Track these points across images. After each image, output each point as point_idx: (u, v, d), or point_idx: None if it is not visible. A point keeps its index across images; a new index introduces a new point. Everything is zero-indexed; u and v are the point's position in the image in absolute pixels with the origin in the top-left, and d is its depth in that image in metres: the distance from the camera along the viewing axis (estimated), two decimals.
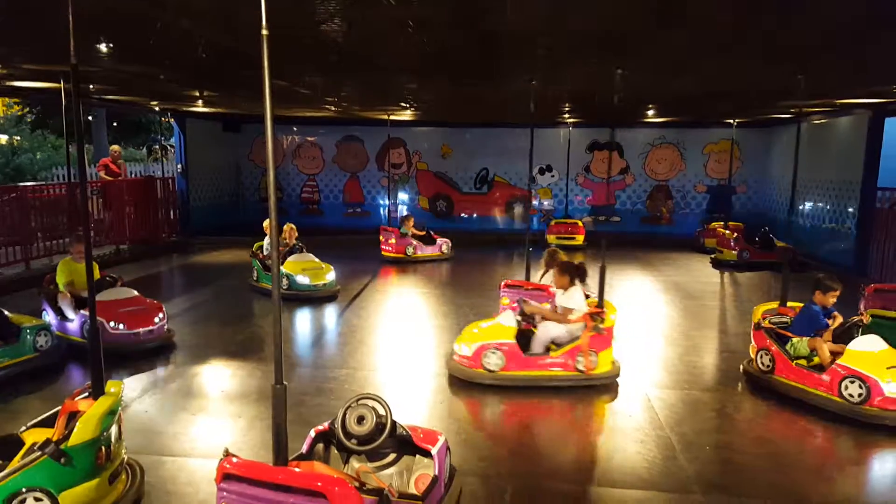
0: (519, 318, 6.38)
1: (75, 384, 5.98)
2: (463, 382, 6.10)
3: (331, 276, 9.70)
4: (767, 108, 12.58)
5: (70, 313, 6.98)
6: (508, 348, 6.04)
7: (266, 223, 10.51)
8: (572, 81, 9.19)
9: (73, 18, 3.87)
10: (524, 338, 6.21)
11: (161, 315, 7.09)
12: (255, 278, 10.18)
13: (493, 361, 6.02)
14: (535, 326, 6.33)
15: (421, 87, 10.10)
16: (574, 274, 6.36)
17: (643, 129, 16.90)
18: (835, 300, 6.09)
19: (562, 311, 6.26)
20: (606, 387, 6.13)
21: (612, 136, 16.90)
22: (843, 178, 12.31)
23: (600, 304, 6.37)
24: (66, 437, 3.53)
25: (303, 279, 9.45)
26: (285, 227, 10.43)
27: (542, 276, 7.66)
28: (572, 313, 6.18)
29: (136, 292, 7.32)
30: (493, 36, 6.06)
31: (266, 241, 10.39)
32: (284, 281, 9.42)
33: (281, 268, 9.56)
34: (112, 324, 6.66)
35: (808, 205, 13.81)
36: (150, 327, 6.90)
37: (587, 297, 6.47)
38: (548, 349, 6.19)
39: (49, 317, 7.12)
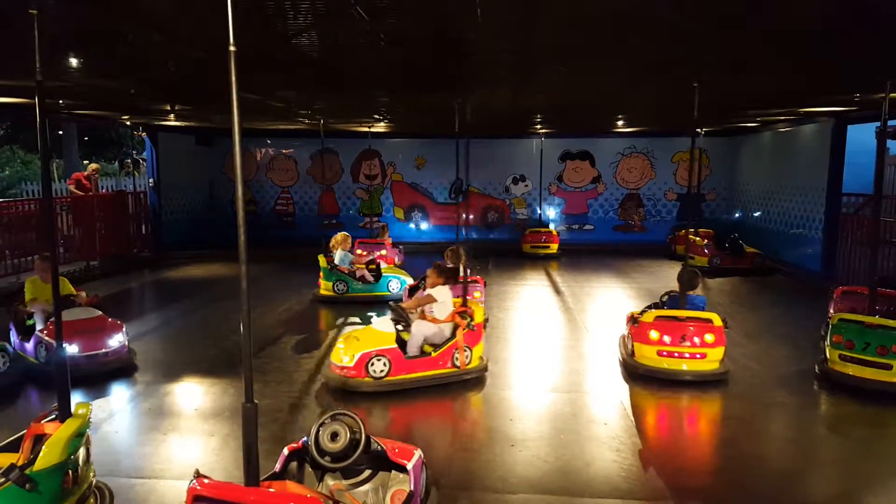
0: (394, 321, 6.51)
1: (33, 407, 5.86)
2: (345, 393, 6.12)
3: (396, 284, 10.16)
4: (733, 116, 12.82)
5: (40, 325, 6.76)
6: (392, 353, 6.18)
7: (339, 236, 10.75)
8: (542, 92, 9.28)
9: (39, 34, 3.82)
10: (402, 342, 6.37)
11: (121, 336, 6.83)
12: (322, 289, 10.28)
13: (379, 368, 6.12)
14: (406, 330, 6.49)
15: (394, 100, 10.12)
16: (447, 277, 6.79)
17: (614, 139, 17.11)
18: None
19: (426, 297, 6.64)
20: (578, 397, 6.16)
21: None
22: (808, 184, 12.57)
23: (464, 304, 6.91)
24: (32, 462, 3.45)
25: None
26: (339, 235, 10.73)
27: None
28: (436, 304, 6.54)
29: (99, 312, 7.02)
30: (464, 49, 6.10)
31: (338, 254, 10.44)
32: (395, 284, 10.10)
33: (365, 273, 10.25)
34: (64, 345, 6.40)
35: (776, 211, 14.07)
36: (105, 350, 6.61)
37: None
38: (424, 350, 6.41)
39: (13, 336, 6.92)
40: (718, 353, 6.48)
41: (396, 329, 6.41)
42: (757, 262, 13.10)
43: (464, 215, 17.58)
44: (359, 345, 6.17)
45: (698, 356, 6.45)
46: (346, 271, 10.20)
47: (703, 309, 6.90)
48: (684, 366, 6.46)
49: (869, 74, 7.14)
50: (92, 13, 4.79)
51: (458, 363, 6.43)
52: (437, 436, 5.39)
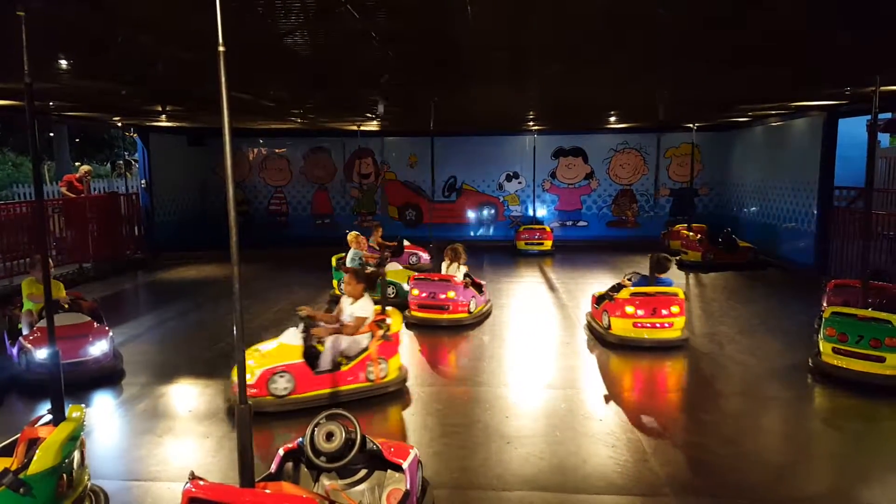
0: (304, 334, 5.91)
1: (15, 414, 5.80)
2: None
3: None
4: (725, 112, 12.85)
5: (27, 330, 6.65)
6: (297, 369, 5.65)
7: (350, 235, 10.27)
8: (533, 88, 9.28)
9: (28, 36, 3.80)
10: (311, 355, 5.85)
11: (104, 344, 6.57)
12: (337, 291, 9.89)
13: (282, 385, 5.59)
14: (320, 342, 5.96)
15: (386, 98, 10.10)
16: (367, 283, 6.27)
17: (606, 135, 17.14)
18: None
19: (354, 321, 6.03)
20: (574, 394, 6.17)
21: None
22: (800, 178, 12.62)
23: (384, 311, 6.41)
24: (26, 466, 3.44)
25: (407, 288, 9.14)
26: (350, 234, 10.26)
27: (447, 268, 8.82)
28: (365, 322, 6.04)
29: (87, 318, 6.82)
30: (455, 46, 6.09)
31: (350, 253, 10.05)
32: (391, 289, 9.32)
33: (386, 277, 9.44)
34: (40, 352, 6.14)
35: (768, 205, 14.12)
36: (84, 358, 6.36)
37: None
38: (338, 364, 5.88)
39: (6, 342, 6.85)
40: (681, 322, 7.57)
41: (305, 342, 5.86)
42: (750, 257, 13.14)
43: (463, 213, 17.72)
44: (261, 360, 5.64)
45: (666, 325, 7.49)
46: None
47: (669, 286, 7.82)
48: (654, 335, 7.49)
49: (859, 69, 7.17)
50: (79, 14, 4.77)
51: (371, 377, 5.93)
52: (433, 434, 5.38)
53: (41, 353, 6.17)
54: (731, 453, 4.93)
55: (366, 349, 5.97)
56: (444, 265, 9.03)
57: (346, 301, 6.23)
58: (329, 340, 5.89)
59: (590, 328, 8.23)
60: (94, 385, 6.34)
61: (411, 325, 8.48)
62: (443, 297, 8.55)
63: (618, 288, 8.00)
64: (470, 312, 8.64)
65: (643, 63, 6.97)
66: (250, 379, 5.47)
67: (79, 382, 6.14)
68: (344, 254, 10.17)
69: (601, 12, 4.82)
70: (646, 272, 8.06)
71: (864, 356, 6.22)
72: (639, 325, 7.47)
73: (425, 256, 12.34)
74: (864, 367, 6.21)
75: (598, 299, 8.27)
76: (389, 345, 6.12)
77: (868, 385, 6.13)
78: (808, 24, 5.18)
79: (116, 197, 14.36)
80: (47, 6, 4.33)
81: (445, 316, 8.56)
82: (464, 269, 8.92)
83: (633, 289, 7.68)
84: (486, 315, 9.04)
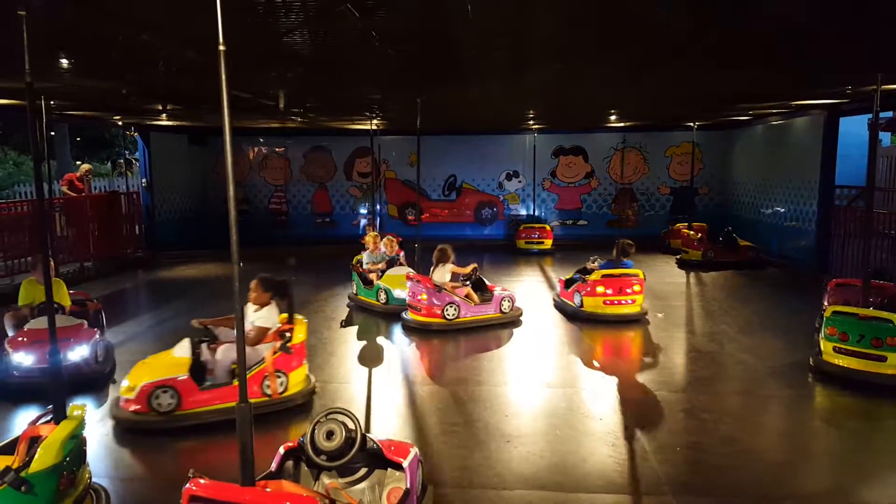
0: (198, 346, 5.62)
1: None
2: (134, 431, 5.23)
3: None
4: (726, 110, 12.85)
5: (10, 332, 6.41)
6: (181, 384, 5.27)
7: (368, 236, 10.20)
8: (534, 87, 9.28)
9: (29, 36, 3.80)
10: (202, 368, 5.50)
11: (85, 349, 6.26)
12: (353, 292, 9.81)
13: (165, 401, 5.22)
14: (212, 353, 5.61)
15: (386, 97, 10.11)
16: (275, 291, 5.85)
17: (607, 134, 17.14)
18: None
19: (254, 332, 5.62)
20: (573, 392, 6.18)
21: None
22: (801, 177, 12.61)
23: (290, 319, 5.94)
24: (27, 465, 3.45)
25: (402, 294, 8.85)
26: (385, 238, 10.13)
27: (433, 271, 8.57)
28: (267, 332, 5.67)
29: (75, 321, 6.54)
30: (456, 44, 6.09)
31: (365, 254, 10.01)
32: (383, 295, 9.15)
33: (379, 282, 9.27)
34: (19, 355, 5.97)
35: (769, 204, 14.12)
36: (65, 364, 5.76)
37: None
38: (234, 375, 5.45)
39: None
40: (641, 298, 8.76)
41: (196, 354, 5.50)
42: (751, 256, 13.14)
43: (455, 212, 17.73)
44: (144, 373, 5.31)
45: (630, 302, 8.63)
46: (367, 272, 9.72)
47: (631, 268, 8.87)
48: (618, 311, 8.67)
49: (860, 67, 7.17)
50: (80, 14, 4.77)
51: (268, 392, 5.50)
52: (433, 432, 5.39)
53: (20, 357, 5.98)
54: (731, 452, 4.93)
55: (259, 363, 5.52)
56: (432, 267, 8.70)
57: (249, 309, 5.77)
58: (220, 351, 5.53)
59: (559, 307, 9.31)
60: (75, 391, 5.71)
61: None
62: (418, 298, 8.40)
63: (586, 271, 9.12)
64: (447, 318, 8.24)
65: (642, 63, 6.96)
66: (130, 394, 5.21)
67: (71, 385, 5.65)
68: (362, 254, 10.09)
69: (601, 13, 4.82)
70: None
71: (865, 355, 6.22)
72: (608, 302, 8.63)
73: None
74: (865, 367, 6.21)
75: (567, 282, 9.33)
76: (290, 357, 5.67)
77: (869, 384, 6.13)
78: (808, 22, 5.17)
79: (117, 196, 14.37)
80: (48, 5, 4.34)
81: (415, 317, 8.42)
82: (449, 269, 8.54)
83: (601, 271, 8.73)
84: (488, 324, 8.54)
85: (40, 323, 6.24)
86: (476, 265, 8.98)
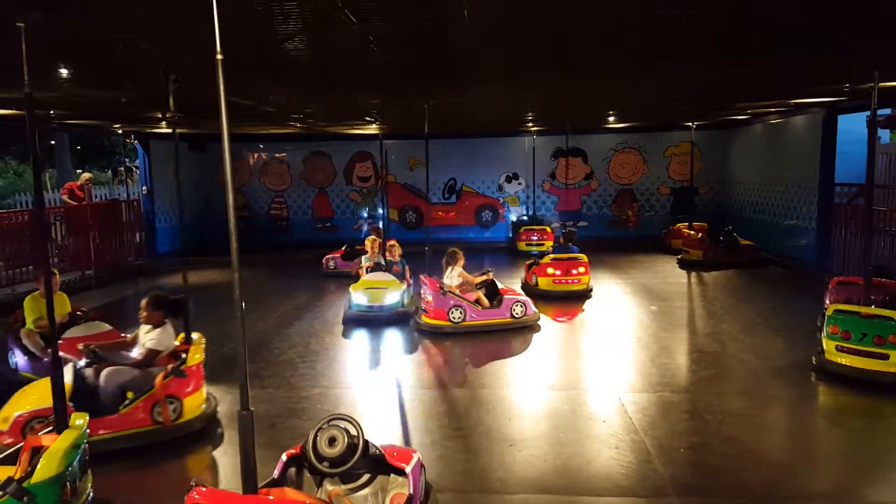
0: (84, 370, 5.24)
1: None
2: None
3: (392, 296, 8.99)
4: (724, 109, 12.84)
5: (39, 353, 6.36)
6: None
7: (368, 241, 10.40)
8: (532, 91, 9.29)
9: (28, 46, 3.80)
10: (88, 394, 5.02)
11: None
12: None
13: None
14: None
15: (385, 101, 10.12)
16: (169, 309, 5.50)
17: (606, 135, 17.15)
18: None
19: (146, 355, 5.30)
20: (576, 395, 6.17)
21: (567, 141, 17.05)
22: (801, 175, 12.60)
23: (188, 339, 5.58)
24: (30, 475, 3.44)
25: (362, 298, 8.86)
26: (388, 244, 10.14)
27: (445, 275, 8.71)
28: (158, 355, 5.34)
29: (108, 326, 6.69)
30: (453, 49, 6.10)
31: (364, 258, 10.10)
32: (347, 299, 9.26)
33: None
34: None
35: (769, 203, 14.11)
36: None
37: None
38: (122, 401, 5.10)
39: (17, 358, 6.55)
40: (587, 278, 10.48)
41: (80, 378, 5.06)
42: (751, 255, 13.13)
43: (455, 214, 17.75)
44: (20, 403, 4.85)
45: (576, 281, 10.36)
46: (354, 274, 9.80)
47: (577, 253, 10.57)
48: (567, 288, 10.35)
49: (858, 65, 7.16)
50: (79, 24, 4.77)
51: (159, 419, 5.10)
52: (435, 437, 5.38)
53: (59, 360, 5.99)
54: (735, 452, 4.92)
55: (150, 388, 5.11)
56: (444, 271, 8.89)
57: (142, 329, 5.46)
58: (103, 376, 5.11)
59: (524, 287, 10.65)
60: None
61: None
62: (426, 301, 8.64)
63: (541, 255, 10.95)
64: (452, 322, 8.29)
65: (643, 63, 6.96)
66: (4, 426, 4.75)
67: None
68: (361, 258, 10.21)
69: (600, 13, 4.82)
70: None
71: (867, 353, 6.21)
72: (557, 281, 10.32)
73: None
74: (867, 365, 6.20)
75: (529, 266, 11.01)
76: (184, 381, 5.22)
77: (872, 382, 6.12)
78: (807, 20, 5.17)
79: (117, 204, 14.37)
80: (47, 16, 4.34)
81: (425, 319, 8.53)
82: (458, 273, 8.68)
83: (552, 255, 10.56)
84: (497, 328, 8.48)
85: (78, 331, 6.40)
86: (490, 270, 9.09)
